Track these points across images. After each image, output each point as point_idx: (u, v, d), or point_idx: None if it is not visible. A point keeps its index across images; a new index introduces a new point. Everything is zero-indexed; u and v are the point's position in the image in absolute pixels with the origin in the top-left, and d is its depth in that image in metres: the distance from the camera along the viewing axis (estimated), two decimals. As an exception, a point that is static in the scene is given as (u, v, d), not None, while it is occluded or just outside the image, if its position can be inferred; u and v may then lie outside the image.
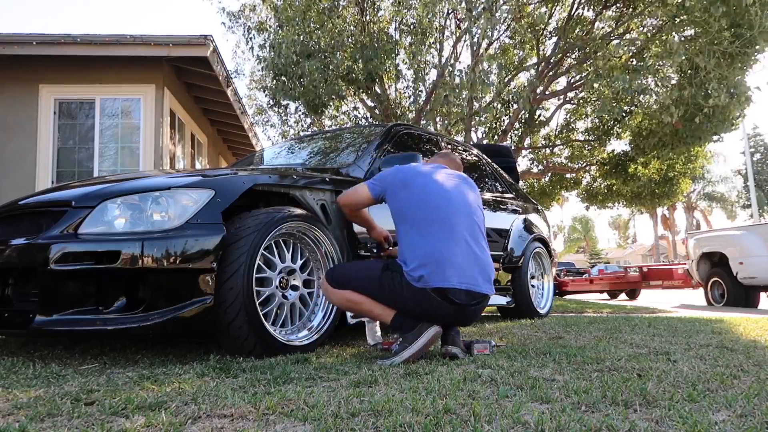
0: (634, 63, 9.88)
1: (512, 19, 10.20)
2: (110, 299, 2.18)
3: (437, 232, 2.35)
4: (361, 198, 2.65)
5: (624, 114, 12.37)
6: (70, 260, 2.13)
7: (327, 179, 2.89)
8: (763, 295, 8.61)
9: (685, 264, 12.45)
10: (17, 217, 2.50)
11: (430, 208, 2.40)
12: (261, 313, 2.32)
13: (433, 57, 11.07)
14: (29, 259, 2.22)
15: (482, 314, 5.45)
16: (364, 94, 11.18)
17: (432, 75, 11.18)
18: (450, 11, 10.38)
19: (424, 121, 10.70)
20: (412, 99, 11.52)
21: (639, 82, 8.76)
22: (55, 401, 1.52)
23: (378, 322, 2.82)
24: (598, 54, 9.93)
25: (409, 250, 2.35)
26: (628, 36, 10.67)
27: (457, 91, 8.77)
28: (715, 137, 10.99)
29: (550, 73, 11.50)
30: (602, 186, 15.52)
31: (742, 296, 8.07)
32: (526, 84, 12.05)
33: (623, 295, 15.45)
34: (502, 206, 4.65)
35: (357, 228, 2.96)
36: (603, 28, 11.07)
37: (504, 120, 12.85)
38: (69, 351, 2.64)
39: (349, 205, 2.73)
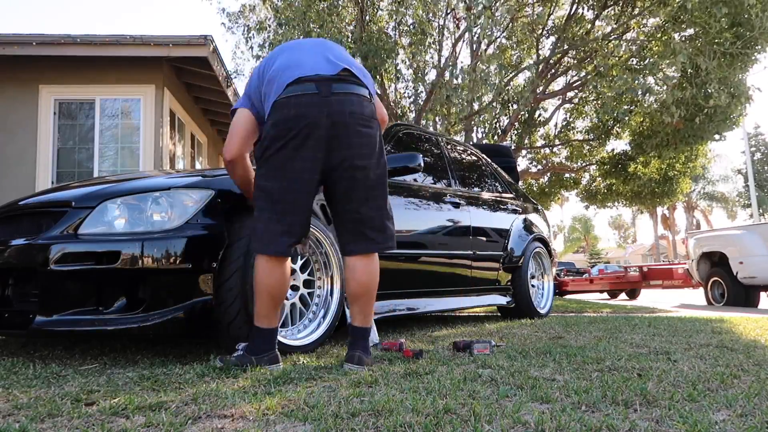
0: (635, 63, 9.88)
1: (511, 18, 10.19)
2: (110, 299, 2.18)
3: None
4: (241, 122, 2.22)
5: (624, 114, 12.37)
6: (70, 260, 2.13)
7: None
8: (763, 294, 8.60)
9: (685, 264, 12.45)
10: (17, 218, 2.50)
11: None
12: (261, 313, 2.31)
13: (432, 57, 11.08)
14: (29, 259, 2.22)
15: (482, 314, 5.46)
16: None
17: (432, 75, 11.19)
18: (449, 11, 10.39)
19: (424, 121, 10.70)
20: (412, 99, 11.52)
21: (639, 82, 8.76)
22: (55, 401, 1.52)
23: (373, 322, 2.82)
24: (598, 53, 9.93)
25: None
26: (628, 36, 10.66)
27: (458, 91, 8.77)
28: (716, 136, 10.99)
29: (550, 73, 11.50)
30: (602, 185, 15.52)
31: (742, 296, 8.07)
32: (524, 84, 12.06)
33: (623, 295, 15.44)
34: (502, 206, 4.65)
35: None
36: (602, 27, 11.07)
37: (504, 120, 12.84)
38: (69, 351, 2.64)
39: (231, 150, 2.22)
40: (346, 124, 2.04)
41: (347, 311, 2.81)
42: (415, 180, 3.68)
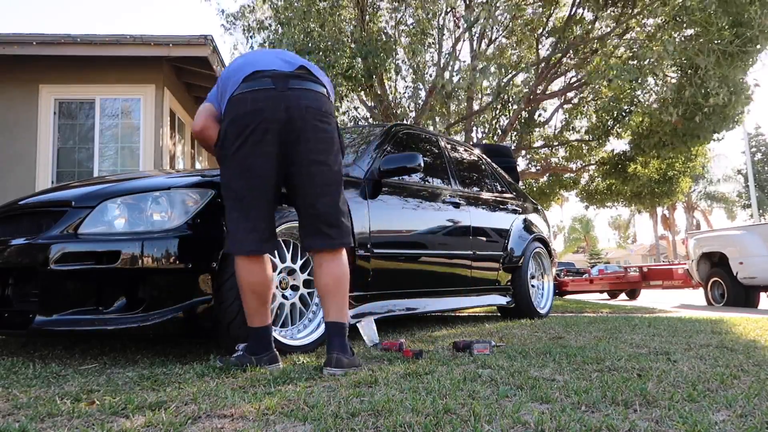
0: (635, 63, 9.88)
1: (511, 18, 10.19)
2: (110, 299, 2.18)
3: None
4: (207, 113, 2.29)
5: (624, 114, 12.36)
6: (70, 260, 2.14)
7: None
8: (763, 295, 8.60)
9: (685, 264, 12.45)
10: (17, 217, 2.50)
11: None
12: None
13: (432, 57, 11.07)
14: (29, 259, 2.22)
15: (482, 314, 5.46)
16: (363, 93, 11.18)
17: (432, 75, 11.18)
18: (448, 10, 10.38)
19: (424, 121, 10.69)
20: (412, 99, 11.52)
21: (638, 81, 8.76)
22: (55, 401, 1.52)
23: (373, 322, 2.82)
24: (598, 53, 9.93)
25: None
26: (628, 36, 10.66)
27: (457, 91, 8.78)
28: (715, 135, 10.98)
29: (550, 74, 11.50)
30: (602, 185, 15.52)
31: (742, 296, 8.07)
32: (522, 85, 12.06)
33: (623, 295, 15.44)
34: (502, 206, 4.65)
35: (356, 228, 2.96)
36: (602, 28, 11.07)
37: (503, 120, 12.85)
38: (69, 351, 2.64)
39: (197, 124, 2.28)
40: (303, 118, 2.05)
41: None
42: (415, 180, 3.68)
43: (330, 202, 2.11)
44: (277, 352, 2.13)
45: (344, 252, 2.16)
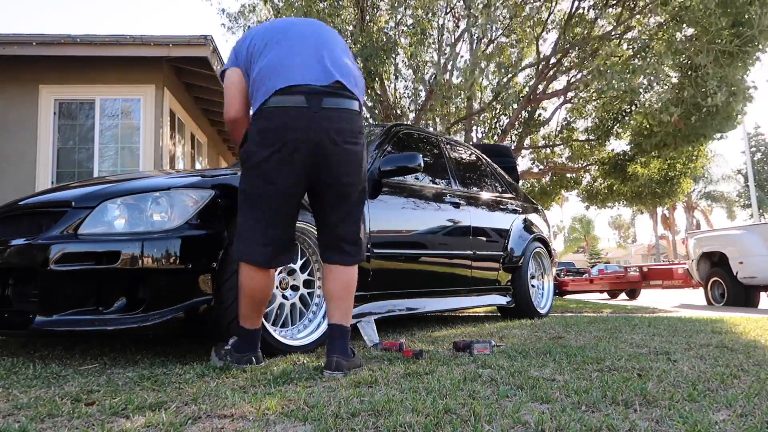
0: (636, 62, 9.88)
1: (511, 17, 10.19)
2: (110, 299, 2.18)
3: None
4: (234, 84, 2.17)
5: (624, 113, 12.36)
6: (70, 260, 2.13)
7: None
8: (763, 294, 8.60)
9: (685, 264, 12.45)
10: (17, 218, 2.50)
11: None
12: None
13: (432, 57, 11.07)
14: (29, 259, 2.22)
15: (482, 314, 5.46)
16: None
17: (432, 75, 11.18)
18: (448, 10, 10.38)
19: (424, 121, 10.69)
20: (411, 99, 11.52)
21: (640, 81, 8.75)
22: (55, 401, 1.52)
23: (373, 322, 2.82)
24: (599, 53, 9.92)
25: None
26: (629, 35, 10.66)
27: (457, 90, 8.78)
28: (716, 135, 10.98)
29: (550, 73, 11.50)
30: (602, 185, 15.52)
31: (742, 296, 8.07)
32: (523, 84, 12.05)
33: (623, 295, 15.44)
34: (501, 206, 4.65)
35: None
36: (603, 26, 11.07)
37: (503, 120, 12.84)
38: (69, 351, 2.64)
39: (234, 109, 2.19)
40: (334, 142, 2.00)
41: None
42: (415, 180, 3.68)
43: (353, 221, 2.11)
44: (261, 353, 2.16)
45: (356, 267, 2.17)
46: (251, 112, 2.11)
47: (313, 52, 2.10)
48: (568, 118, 14.27)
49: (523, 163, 15.01)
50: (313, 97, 1.99)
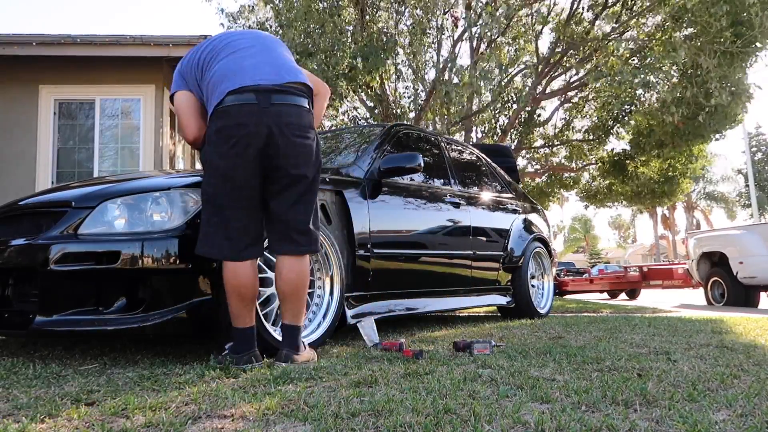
0: (636, 62, 9.88)
1: (510, 17, 10.18)
2: (110, 299, 2.18)
3: None
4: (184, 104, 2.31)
5: (624, 113, 12.35)
6: (70, 260, 2.14)
7: (327, 179, 2.89)
8: (763, 294, 8.60)
9: (685, 264, 12.45)
10: (17, 218, 2.50)
11: None
12: (261, 314, 2.32)
13: (432, 56, 11.06)
14: (29, 259, 2.22)
15: (482, 314, 5.46)
16: (364, 93, 11.18)
17: (432, 74, 11.19)
18: (446, 10, 10.37)
19: (424, 121, 10.69)
20: (411, 99, 11.51)
21: (640, 79, 8.75)
22: (55, 401, 1.52)
23: (373, 322, 2.82)
24: (599, 52, 9.92)
25: None
26: (628, 35, 10.66)
27: (457, 89, 8.77)
28: (717, 135, 10.98)
29: (550, 73, 11.49)
30: (602, 185, 15.51)
31: (742, 296, 8.06)
32: (523, 84, 12.04)
33: (623, 295, 15.44)
34: (501, 206, 4.65)
35: (357, 228, 2.96)
36: (602, 26, 11.07)
37: (503, 120, 12.84)
38: (69, 351, 2.64)
39: (192, 132, 2.30)
40: (283, 134, 2.12)
41: (347, 311, 2.81)
42: (414, 180, 3.68)
43: (302, 211, 2.19)
44: (258, 352, 2.16)
45: (308, 258, 2.23)
46: (208, 116, 2.21)
47: (261, 56, 2.25)
48: (568, 118, 14.26)
49: (522, 162, 15.00)
50: (263, 94, 2.13)
